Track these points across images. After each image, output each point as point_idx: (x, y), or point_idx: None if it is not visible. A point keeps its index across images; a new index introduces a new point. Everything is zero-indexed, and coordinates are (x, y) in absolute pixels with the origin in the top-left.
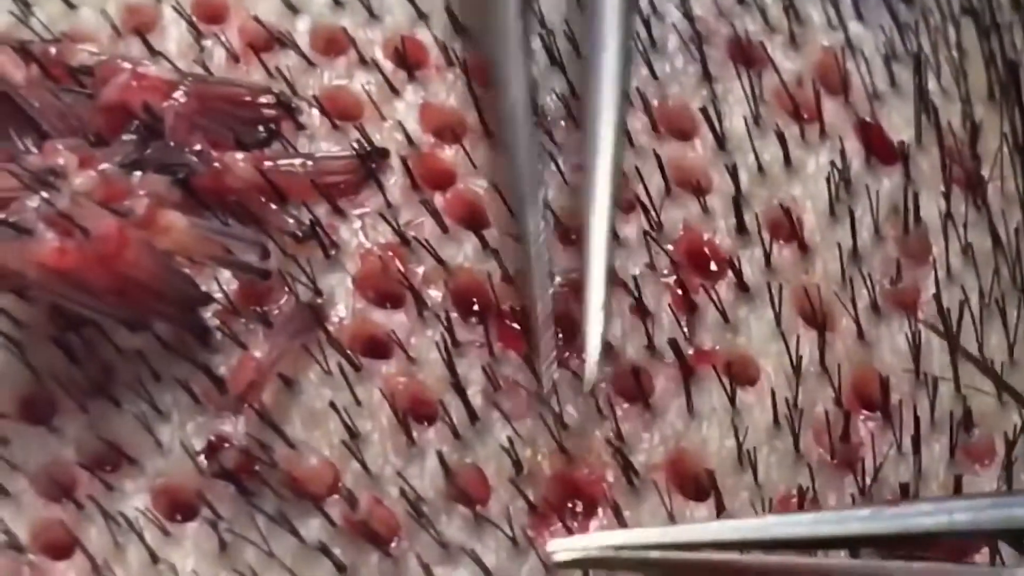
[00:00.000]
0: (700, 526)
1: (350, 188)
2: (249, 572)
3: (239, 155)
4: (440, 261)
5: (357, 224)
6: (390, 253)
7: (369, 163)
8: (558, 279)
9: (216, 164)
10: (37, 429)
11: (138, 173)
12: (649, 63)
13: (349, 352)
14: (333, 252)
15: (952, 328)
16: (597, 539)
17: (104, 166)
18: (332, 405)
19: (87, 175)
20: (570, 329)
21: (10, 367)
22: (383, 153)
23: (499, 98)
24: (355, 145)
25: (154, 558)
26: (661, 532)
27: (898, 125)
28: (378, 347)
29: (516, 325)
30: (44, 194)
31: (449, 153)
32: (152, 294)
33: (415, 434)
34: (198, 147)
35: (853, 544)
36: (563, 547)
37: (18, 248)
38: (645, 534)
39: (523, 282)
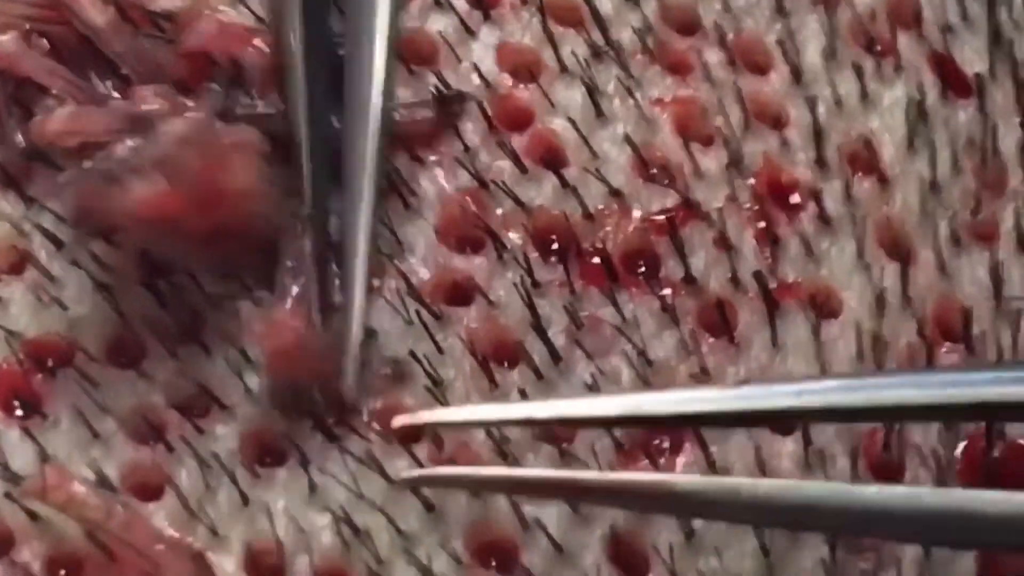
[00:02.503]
0: (566, 402)
1: (429, 136)
2: (340, 511)
3: None
4: (519, 203)
5: (436, 172)
6: (468, 198)
7: (448, 109)
8: (638, 214)
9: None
10: (126, 373)
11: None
12: None
13: (427, 301)
14: (413, 201)
15: None
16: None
17: (195, 114)
18: (412, 354)
19: (180, 122)
20: (653, 263)
21: (100, 312)
22: (463, 97)
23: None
24: (432, 91)
25: (245, 499)
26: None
27: (971, 58)
28: (459, 294)
29: (597, 260)
30: (140, 139)
31: (526, 93)
32: (244, 243)
33: (497, 376)
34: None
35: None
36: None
37: (116, 194)
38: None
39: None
